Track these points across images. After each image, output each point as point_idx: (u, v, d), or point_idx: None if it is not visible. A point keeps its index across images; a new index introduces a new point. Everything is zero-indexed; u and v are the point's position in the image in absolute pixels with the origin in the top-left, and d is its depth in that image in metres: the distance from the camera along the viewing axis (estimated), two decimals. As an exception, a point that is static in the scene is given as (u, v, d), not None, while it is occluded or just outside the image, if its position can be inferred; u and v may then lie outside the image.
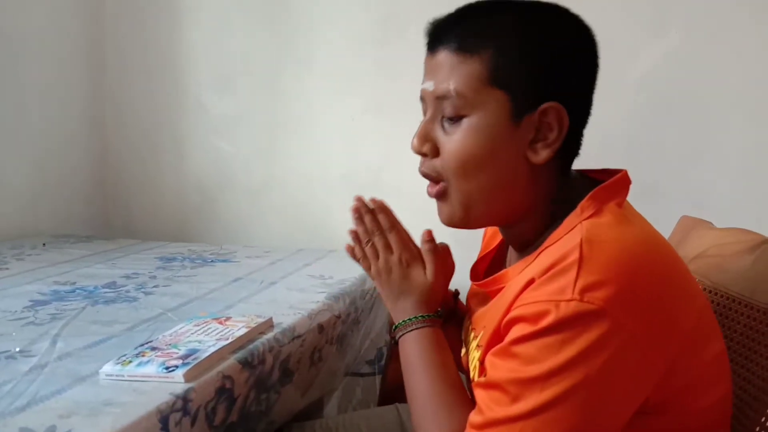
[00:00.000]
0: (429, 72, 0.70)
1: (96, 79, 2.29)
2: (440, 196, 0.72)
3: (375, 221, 0.86)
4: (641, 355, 0.58)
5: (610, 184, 0.68)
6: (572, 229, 0.64)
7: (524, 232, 0.73)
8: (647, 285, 0.59)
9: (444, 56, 0.67)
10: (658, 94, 1.83)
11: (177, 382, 0.76)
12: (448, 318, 0.90)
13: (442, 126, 0.69)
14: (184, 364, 0.79)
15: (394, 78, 1.99)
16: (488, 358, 0.64)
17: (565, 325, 0.57)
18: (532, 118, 0.66)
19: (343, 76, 2.07)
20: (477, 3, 0.69)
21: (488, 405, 0.61)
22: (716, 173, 1.78)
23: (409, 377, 0.78)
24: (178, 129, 2.28)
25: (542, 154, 0.67)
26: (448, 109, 0.67)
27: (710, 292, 0.88)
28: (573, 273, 0.58)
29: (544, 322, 0.57)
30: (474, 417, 0.63)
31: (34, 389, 0.75)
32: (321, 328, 1.15)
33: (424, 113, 0.72)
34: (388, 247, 0.84)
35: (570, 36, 0.68)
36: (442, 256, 0.84)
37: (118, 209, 2.38)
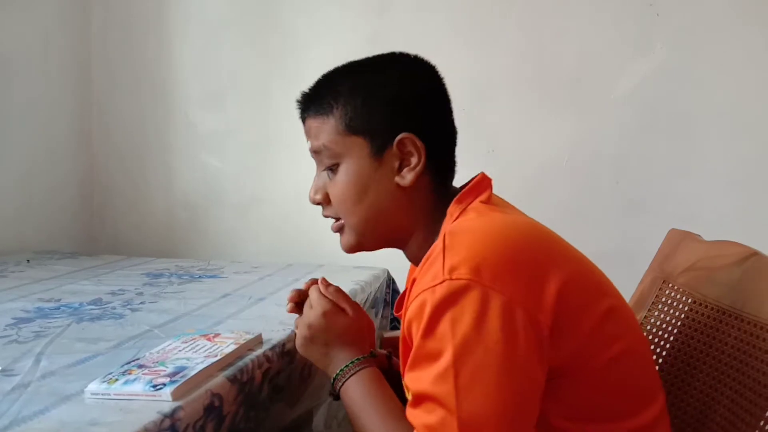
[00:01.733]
0: (306, 135, 0.85)
1: (82, 95, 2.28)
2: (339, 230, 0.84)
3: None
4: (524, 314, 0.62)
5: (470, 187, 0.79)
6: (442, 230, 0.71)
7: (417, 250, 0.81)
8: (509, 255, 0.65)
9: (310, 122, 0.83)
10: (645, 110, 1.85)
11: (164, 401, 0.75)
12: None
13: (328, 176, 0.82)
14: (171, 382, 0.77)
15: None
16: (406, 376, 0.67)
17: (444, 306, 0.61)
18: (391, 150, 0.78)
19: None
20: (327, 73, 0.86)
21: (425, 422, 0.63)
22: (703, 187, 1.80)
23: (358, 420, 0.79)
24: (166, 145, 2.27)
25: (407, 177, 0.78)
26: (324, 161, 0.82)
27: (700, 304, 0.89)
28: (440, 260, 0.64)
29: (427, 312, 0.62)
30: None
31: (16, 409, 0.73)
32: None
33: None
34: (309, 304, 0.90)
35: (405, 75, 0.81)
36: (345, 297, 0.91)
37: (105, 225, 2.35)
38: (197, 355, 0.88)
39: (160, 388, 0.76)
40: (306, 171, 2.09)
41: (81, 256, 1.92)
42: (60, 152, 2.21)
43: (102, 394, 0.77)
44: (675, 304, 0.95)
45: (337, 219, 0.84)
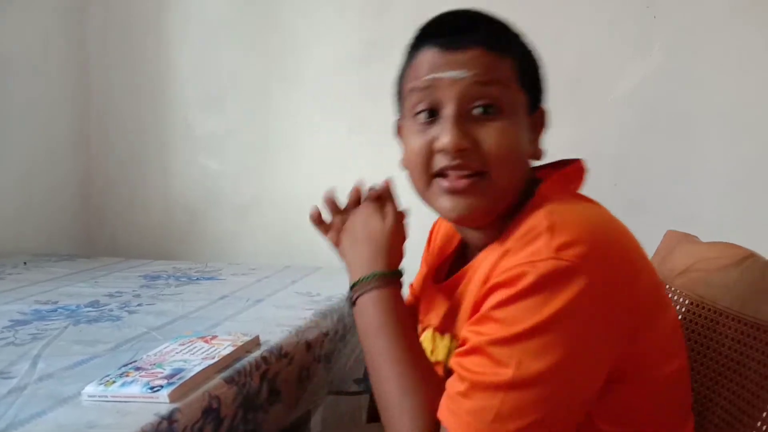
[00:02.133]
0: (451, 64, 0.69)
1: (81, 96, 2.28)
2: (471, 190, 0.70)
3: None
4: (611, 313, 0.61)
5: (565, 173, 0.75)
6: (535, 211, 0.67)
7: (493, 230, 0.73)
8: (612, 247, 0.64)
9: (477, 51, 0.69)
10: (644, 111, 1.85)
11: (162, 403, 0.75)
12: None
13: (471, 120, 0.69)
14: (169, 384, 0.77)
15: (382, 96, 1.99)
16: (467, 328, 0.64)
17: (544, 284, 0.59)
18: (533, 117, 0.74)
19: (331, 95, 2.08)
20: (493, 17, 0.74)
21: (470, 370, 0.61)
22: (703, 188, 1.80)
23: (369, 344, 0.74)
24: (164, 147, 2.27)
25: (539, 151, 0.75)
26: (482, 102, 0.68)
27: (697, 306, 0.89)
28: (546, 236, 0.61)
29: (523, 283, 0.59)
30: (455, 384, 0.63)
31: (13, 412, 0.73)
32: (309, 345, 1.14)
33: (422, 109, 0.72)
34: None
35: (539, 60, 0.77)
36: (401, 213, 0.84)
37: (103, 228, 2.35)
38: (195, 357, 0.88)
39: (158, 390, 0.76)
40: (304, 173, 2.11)
41: (78, 259, 1.92)
42: (58, 154, 2.21)
43: (99, 397, 0.77)
44: (672, 305, 0.95)
45: (475, 174, 0.69)
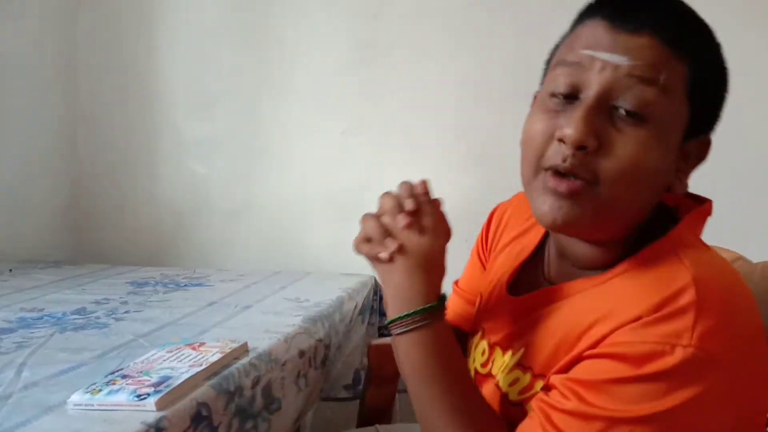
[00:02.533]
0: (615, 46, 0.57)
1: (69, 102, 2.26)
2: (574, 196, 0.58)
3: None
4: (737, 404, 0.55)
5: (699, 213, 0.63)
6: (663, 255, 0.58)
7: (605, 252, 0.63)
8: (750, 331, 0.56)
9: (652, 41, 0.56)
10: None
11: (149, 411, 0.74)
12: None
13: (611, 119, 0.57)
14: (156, 392, 0.76)
15: (373, 101, 2.00)
16: (569, 385, 0.56)
17: (676, 372, 0.52)
18: (691, 145, 0.61)
19: (321, 99, 2.07)
20: (692, 11, 0.61)
21: (560, 429, 0.55)
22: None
23: (413, 386, 0.64)
24: (153, 152, 2.25)
25: (683, 187, 0.61)
26: (634, 100, 0.56)
27: (686, 309, 0.89)
28: (691, 316, 0.52)
29: (652, 367, 0.52)
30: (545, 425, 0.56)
31: (-3, 421, 0.72)
32: (302, 353, 1.13)
33: (560, 90, 0.59)
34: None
35: (727, 72, 0.63)
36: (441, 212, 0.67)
37: (91, 234, 2.33)
38: (182, 364, 0.87)
39: (145, 398, 0.75)
40: (295, 178, 2.11)
41: (65, 265, 1.90)
42: (45, 159, 2.18)
43: (85, 405, 0.76)
44: None
45: (587, 180, 0.58)
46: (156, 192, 2.25)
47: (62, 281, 1.63)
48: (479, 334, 0.76)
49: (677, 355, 0.52)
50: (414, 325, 0.63)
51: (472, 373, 0.74)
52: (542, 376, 0.62)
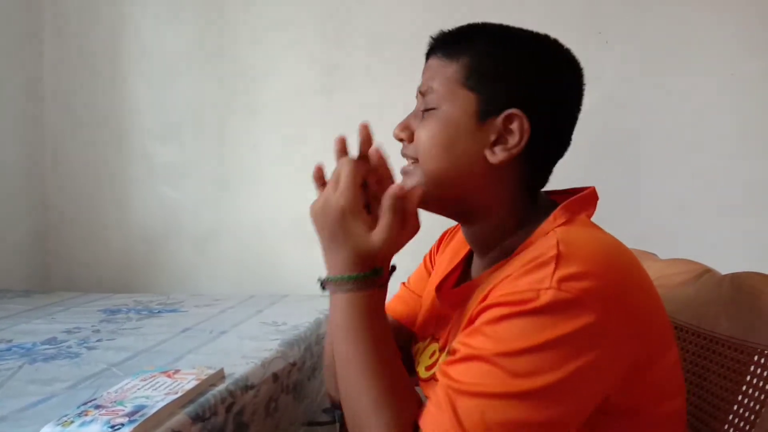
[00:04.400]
0: (423, 73, 0.79)
1: (34, 130, 2.23)
2: (406, 173, 0.78)
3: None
4: (610, 347, 0.60)
5: (581, 197, 0.75)
6: (545, 234, 0.68)
7: (484, 233, 0.78)
8: (619, 282, 0.63)
9: (432, 60, 0.77)
10: (595, 135, 1.90)
11: (123, 442, 0.72)
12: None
13: (421, 117, 0.76)
14: (130, 422, 0.75)
15: (341, 125, 2.01)
16: (457, 340, 0.64)
17: (543, 313, 0.59)
18: (495, 121, 0.72)
19: (290, 124, 2.09)
20: (474, 23, 0.78)
21: (456, 379, 0.61)
22: (655, 208, 1.86)
23: (339, 347, 0.71)
24: (122, 178, 2.23)
25: (499, 156, 0.72)
26: (426, 102, 0.76)
27: (658, 322, 0.91)
28: (551, 265, 0.61)
29: (521, 308, 0.60)
30: (438, 393, 0.62)
31: (-36, 458, 0.70)
32: (276, 377, 1.12)
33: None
34: (337, 182, 0.75)
35: (547, 60, 0.75)
36: (404, 216, 0.73)
37: (59, 262, 2.28)
38: (157, 392, 0.86)
39: (119, 429, 0.73)
40: (265, 201, 2.10)
41: (34, 294, 1.85)
42: (10, 188, 2.14)
43: (56, 438, 0.74)
44: (677, 343, 0.96)
45: (414, 160, 0.76)
46: (126, 217, 2.23)
47: (31, 311, 1.59)
48: (428, 339, 0.84)
49: (542, 299, 0.59)
50: (349, 288, 0.71)
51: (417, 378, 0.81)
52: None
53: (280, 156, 2.10)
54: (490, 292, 0.65)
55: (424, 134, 0.75)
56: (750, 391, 0.73)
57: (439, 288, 0.86)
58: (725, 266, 0.85)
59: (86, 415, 0.78)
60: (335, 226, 0.72)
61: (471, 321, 0.66)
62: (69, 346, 1.21)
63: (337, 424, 1.33)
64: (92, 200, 2.25)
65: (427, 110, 0.75)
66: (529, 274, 0.62)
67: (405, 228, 0.73)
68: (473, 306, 0.67)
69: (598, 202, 0.78)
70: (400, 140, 0.79)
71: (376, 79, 1.99)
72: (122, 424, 0.74)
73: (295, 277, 2.04)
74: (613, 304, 0.61)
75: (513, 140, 0.72)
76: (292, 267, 2.07)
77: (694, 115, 1.85)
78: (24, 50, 2.20)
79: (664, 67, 1.86)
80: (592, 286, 0.60)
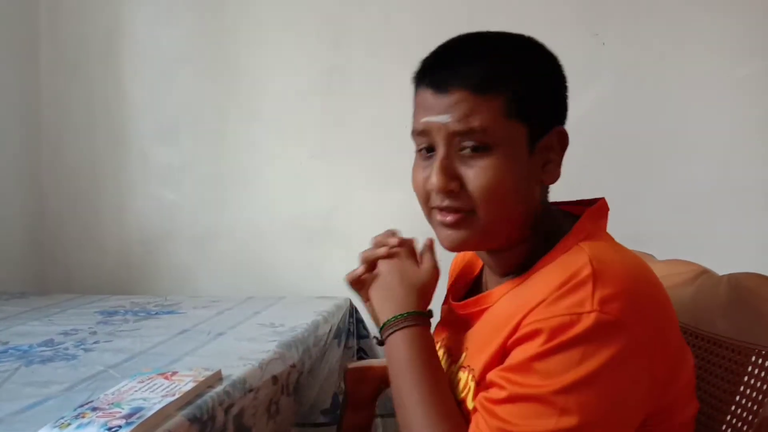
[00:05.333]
0: (438, 108, 0.70)
1: (30, 133, 2.22)
2: (457, 225, 0.71)
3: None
4: (649, 364, 0.61)
5: (596, 209, 0.74)
6: (569, 249, 0.67)
7: (512, 255, 0.74)
8: (652, 299, 0.64)
9: (461, 95, 0.68)
10: (593, 137, 1.90)
11: (120, 444, 0.72)
12: None
13: (460, 160, 0.70)
14: (128, 424, 0.75)
15: (339, 126, 2.02)
16: (499, 374, 0.63)
17: (586, 337, 0.59)
18: (542, 143, 0.71)
19: (288, 125, 2.08)
20: (473, 41, 0.73)
21: (507, 421, 0.60)
22: (651, 209, 1.86)
23: (398, 380, 0.73)
24: (119, 179, 2.22)
25: (556, 173, 0.72)
26: (470, 143, 0.69)
27: (656, 323, 0.91)
28: (589, 286, 0.60)
29: (565, 336, 0.59)
30: (482, 427, 0.62)
31: (-40, 461, 0.69)
32: (275, 378, 1.11)
33: (422, 146, 0.73)
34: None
35: (555, 66, 0.75)
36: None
37: (56, 264, 2.28)
38: (154, 394, 0.86)
39: (116, 431, 0.73)
40: (263, 202, 2.10)
41: (31, 296, 1.85)
42: (7, 189, 2.14)
43: (53, 441, 0.73)
44: (691, 351, 0.96)
45: (465, 211, 0.71)
46: (124, 219, 2.22)
47: (28, 312, 1.59)
48: (441, 350, 0.83)
49: (584, 322, 0.59)
50: (406, 324, 0.74)
51: None
52: (479, 375, 0.68)
53: (278, 157, 2.10)
54: (523, 318, 0.63)
55: (487, 180, 0.68)
56: (748, 391, 0.73)
57: (454, 296, 0.85)
58: (723, 267, 0.85)
59: (83, 417, 0.77)
60: (396, 275, 0.78)
61: (505, 348, 0.64)
62: (66, 348, 1.21)
63: (335, 426, 1.33)
64: (89, 202, 2.25)
65: (476, 152, 0.69)
66: (567, 297, 0.61)
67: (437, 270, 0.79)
68: (499, 324, 0.66)
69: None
70: (448, 192, 0.70)
71: (374, 81, 1.99)
72: (119, 426, 0.74)
73: (293, 279, 2.04)
74: (647, 323, 0.61)
75: (554, 154, 0.72)
76: (290, 268, 2.07)
77: (692, 116, 1.86)
78: (20, 52, 2.19)
79: (661, 68, 1.86)
80: (629, 306, 0.60)
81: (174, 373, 0.96)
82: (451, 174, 0.69)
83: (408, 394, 0.71)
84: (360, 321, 1.76)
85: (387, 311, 0.77)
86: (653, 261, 0.99)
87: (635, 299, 0.61)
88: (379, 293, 0.79)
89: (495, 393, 0.63)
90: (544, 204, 0.75)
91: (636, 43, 1.88)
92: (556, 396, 0.58)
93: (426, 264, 0.80)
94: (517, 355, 0.62)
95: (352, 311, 1.71)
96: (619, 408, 0.60)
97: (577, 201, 0.79)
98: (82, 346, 1.23)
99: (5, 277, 2.09)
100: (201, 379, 0.93)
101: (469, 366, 0.71)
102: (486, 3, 1.91)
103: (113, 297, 1.84)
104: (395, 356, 0.74)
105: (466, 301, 0.78)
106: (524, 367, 0.61)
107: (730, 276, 0.80)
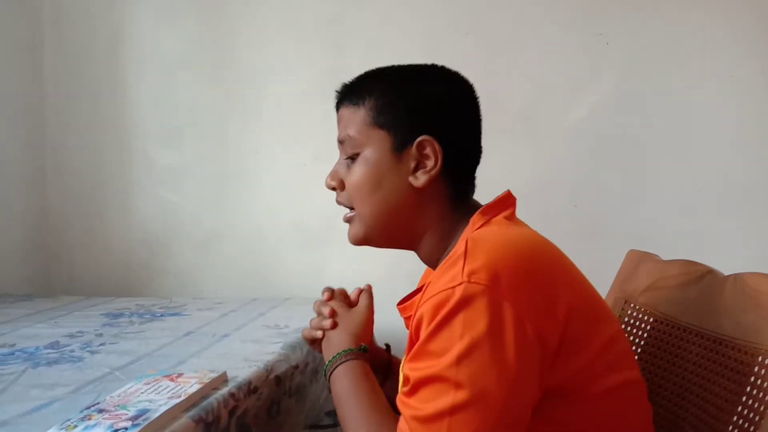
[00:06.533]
0: (337, 123, 0.86)
1: (34, 135, 2.23)
2: (349, 220, 0.85)
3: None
4: (533, 329, 0.64)
5: (495, 201, 0.81)
6: (463, 238, 0.72)
7: (430, 252, 0.83)
8: (526, 266, 0.67)
9: (342, 110, 0.85)
10: (597, 136, 1.90)
11: (126, 446, 0.72)
12: (386, 371, 0.96)
13: (347, 165, 0.83)
14: (134, 426, 0.75)
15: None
16: (407, 366, 0.68)
17: (460, 308, 0.63)
18: (410, 150, 0.79)
19: (290, 127, 2.09)
20: (369, 70, 0.86)
21: (415, 407, 0.65)
22: (657, 209, 1.86)
23: (341, 409, 0.81)
24: (123, 182, 2.23)
25: (421, 179, 0.79)
26: (347, 149, 0.83)
27: (662, 323, 0.91)
28: (460, 264, 0.65)
29: (444, 311, 0.64)
30: (402, 424, 0.66)
31: (-32, 463, 0.70)
32: (278, 380, 1.12)
33: None
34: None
35: (439, 84, 0.83)
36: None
37: (60, 267, 2.29)
38: (160, 396, 0.86)
39: (122, 433, 0.73)
40: (266, 204, 2.10)
41: (36, 298, 1.85)
42: (12, 191, 2.15)
43: (60, 443, 0.74)
44: (637, 323, 0.97)
45: (351, 208, 0.84)
46: (128, 221, 2.23)
47: (34, 315, 1.59)
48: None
49: (456, 294, 0.63)
50: (341, 361, 0.84)
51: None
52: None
53: (280, 159, 2.10)
54: (421, 300, 0.69)
55: (352, 181, 0.82)
56: (754, 392, 0.73)
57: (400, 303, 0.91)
58: (727, 267, 0.85)
59: (89, 419, 0.78)
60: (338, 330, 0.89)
61: (411, 338, 0.70)
62: (72, 351, 1.21)
63: (339, 428, 1.33)
64: (94, 204, 2.26)
65: (349, 157, 0.83)
66: (444, 275, 0.66)
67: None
68: (413, 320, 0.71)
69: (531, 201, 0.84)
70: (332, 189, 0.86)
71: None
72: (126, 428, 0.74)
73: (297, 280, 2.04)
74: (524, 290, 0.64)
75: (430, 163, 0.79)
76: (294, 270, 2.07)
77: (695, 116, 1.85)
78: (24, 55, 2.20)
79: (665, 67, 1.86)
80: (501, 274, 0.64)
81: (179, 375, 0.96)
82: (333, 175, 0.85)
83: (351, 420, 0.78)
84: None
85: (327, 357, 0.87)
86: (657, 261, 0.99)
87: (507, 268, 0.65)
88: (324, 346, 0.89)
89: (405, 386, 0.68)
90: (453, 202, 0.82)
91: (640, 42, 1.87)
92: (448, 371, 0.62)
93: (359, 306, 0.92)
94: (419, 342, 0.67)
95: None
96: (509, 375, 0.62)
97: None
98: (88, 349, 1.23)
99: (10, 278, 2.10)
100: (206, 380, 0.93)
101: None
102: (487, 3, 1.90)
103: (118, 299, 1.85)
104: (335, 390, 0.83)
105: (402, 305, 0.85)
106: (420, 352, 0.66)
107: (736, 276, 0.80)
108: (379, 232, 0.83)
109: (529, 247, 0.71)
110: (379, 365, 0.95)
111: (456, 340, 0.62)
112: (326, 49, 2.05)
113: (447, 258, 0.69)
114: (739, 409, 0.74)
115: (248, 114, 2.13)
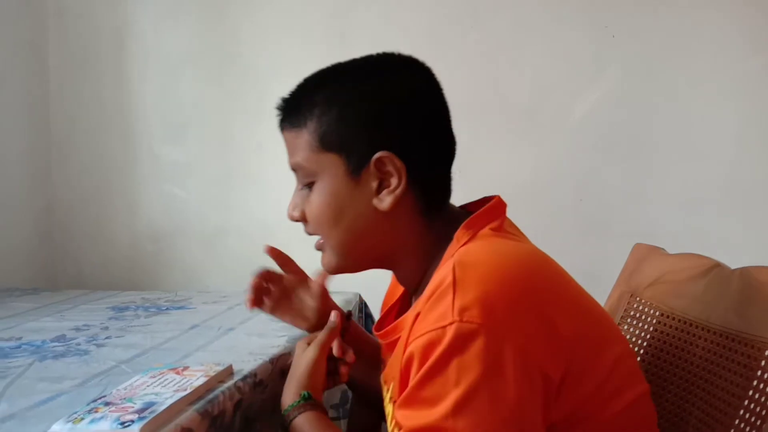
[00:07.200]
0: (285, 147, 0.79)
1: (40, 131, 2.24)
2: (320, 248, 0.79)
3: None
4: (533, 361, 0.59)
5: (482, 212, 0.73)
6: (452, 257, 0.66)
7: (409, 274, 0.78)
8: (526, 293, 0.61)
9: (286, 134, 0.78)
10: (602, 131, 1.90)
11: (133, 438, 0.72)
12: (374, 354, 0.92)
13: (305, 194, 0.77)
14: (140, 419, 0.75)
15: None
16: (398, 412, 0.63)
17: (453, 352, 0.57)
18: (369, 170, 0.71)
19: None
20: (307, 77, 0.78)
21: None
22: (661, 205, 1.85)
23: None
24: (129, 177, 2.24)
25: (386, 201, 0.72)
26: (301, 179, 0.77)
27: (668, 317, 0.90)
28: (450, 296, 0.59)
29: (435, 354, 0.58)
30: None
31: (-25, 455, 0.70)
32: (283, 373, 1.12)
33: None
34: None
35: (389, 84, 0.74)
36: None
37: (66, 261, 2.29)
38: (166, 389, 0.86)
39: (129, 425, 0.73)
40: (272, 199, 2.10)
41: (42, 292, 1.86)
42: (18, 187, 2.16)
43: (67, 435, 0.74)
44: (643, 317, 0.96)
45: (316, 236, 0.80)
46: (134, 216, 2.24)
47: (40, 308, 1.60)
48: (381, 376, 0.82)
49: (448, 335, 0.57)
50: (298, 411, 0.84)
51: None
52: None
53: (284, 155, 2.10)
54: (407, 340, 0.64)
55: (312, 213, 0.76)
56: (761, 386, 0.73)
57: (378, 328, 0.84)
58: (733, 261, 0.85)
59: (96, 411, 0.78)
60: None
61: (402, 374, 0.64)
62: (78, 344, 1.22)
63: (345, 421, 1.33)
64: (100, 199, 2.27)
65: (306, 186, 0.76)
66: (432, 310, 0.60)
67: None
68: (400, 357, 0.65)
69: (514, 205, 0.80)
70: (296, 221, 0.80)
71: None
72: (132, 421, 0.74)
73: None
74: (520, 321, 0.59)
75: (395, 181, 0.71)
76: (299, 264, 2.07)
77: (700, 111, 1.84)
78: (29, 53, 2.20)
79: (671, 61, 1.85)
80: (494, 309, 0.58)
81: (185, 368, 0.96)
82: (294, 205, 0.79)
83: None
84: (369, 316, 1.76)
85: (285, 401, 0.88)
86: (664, 255, 0.99)
87: (502, 299, 0.59)
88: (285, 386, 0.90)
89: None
90: (428, 216, 0.74)
91: (646, 35, 1.86)
92: (445, 422, 0.57)
93: (309, 351, 0.91)
94: (410, 384, 0.61)
95: (362, 306, 1.71)
96: (511, 418, 0.57)
97: (481, 199, 0.79)
98: (94, 342, 1.23)
99: (17, 272, 2.11)
100: (212, 374, 0.94)
101: (393, 399, 0.72)
102: (492, 0, 1.89)
103: (124, 293, 1.85)
104: None
105: (383, 331, 0.79)
106: (412, 398, 0.60)
107: (743, 270, 0.80)
108: (353, 261, 0.78)
109: (525, 269, 0.64)
110: (369, 354, 0.94)
111: (451, 387, 0.57)
112: (330, 46, 2.05)
113: (433, 286, 0.62)
114: (746, 403, 0.74)
115: (253, 110, 2.13)
